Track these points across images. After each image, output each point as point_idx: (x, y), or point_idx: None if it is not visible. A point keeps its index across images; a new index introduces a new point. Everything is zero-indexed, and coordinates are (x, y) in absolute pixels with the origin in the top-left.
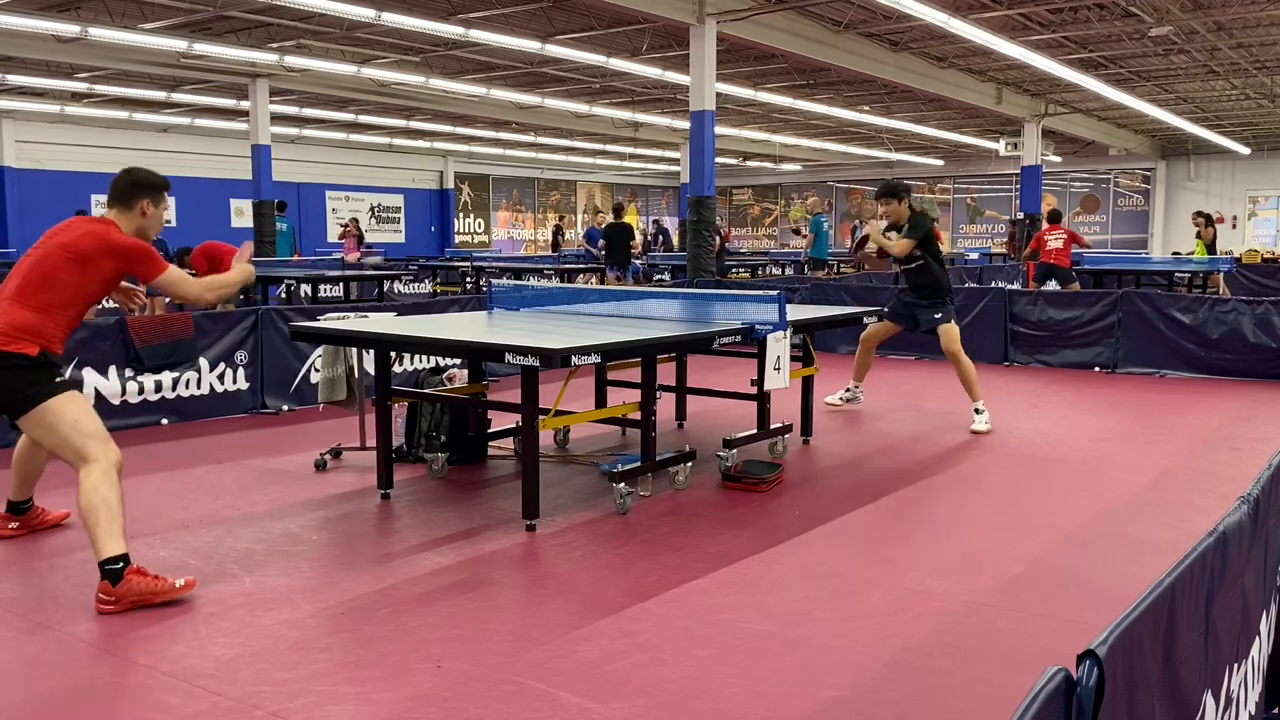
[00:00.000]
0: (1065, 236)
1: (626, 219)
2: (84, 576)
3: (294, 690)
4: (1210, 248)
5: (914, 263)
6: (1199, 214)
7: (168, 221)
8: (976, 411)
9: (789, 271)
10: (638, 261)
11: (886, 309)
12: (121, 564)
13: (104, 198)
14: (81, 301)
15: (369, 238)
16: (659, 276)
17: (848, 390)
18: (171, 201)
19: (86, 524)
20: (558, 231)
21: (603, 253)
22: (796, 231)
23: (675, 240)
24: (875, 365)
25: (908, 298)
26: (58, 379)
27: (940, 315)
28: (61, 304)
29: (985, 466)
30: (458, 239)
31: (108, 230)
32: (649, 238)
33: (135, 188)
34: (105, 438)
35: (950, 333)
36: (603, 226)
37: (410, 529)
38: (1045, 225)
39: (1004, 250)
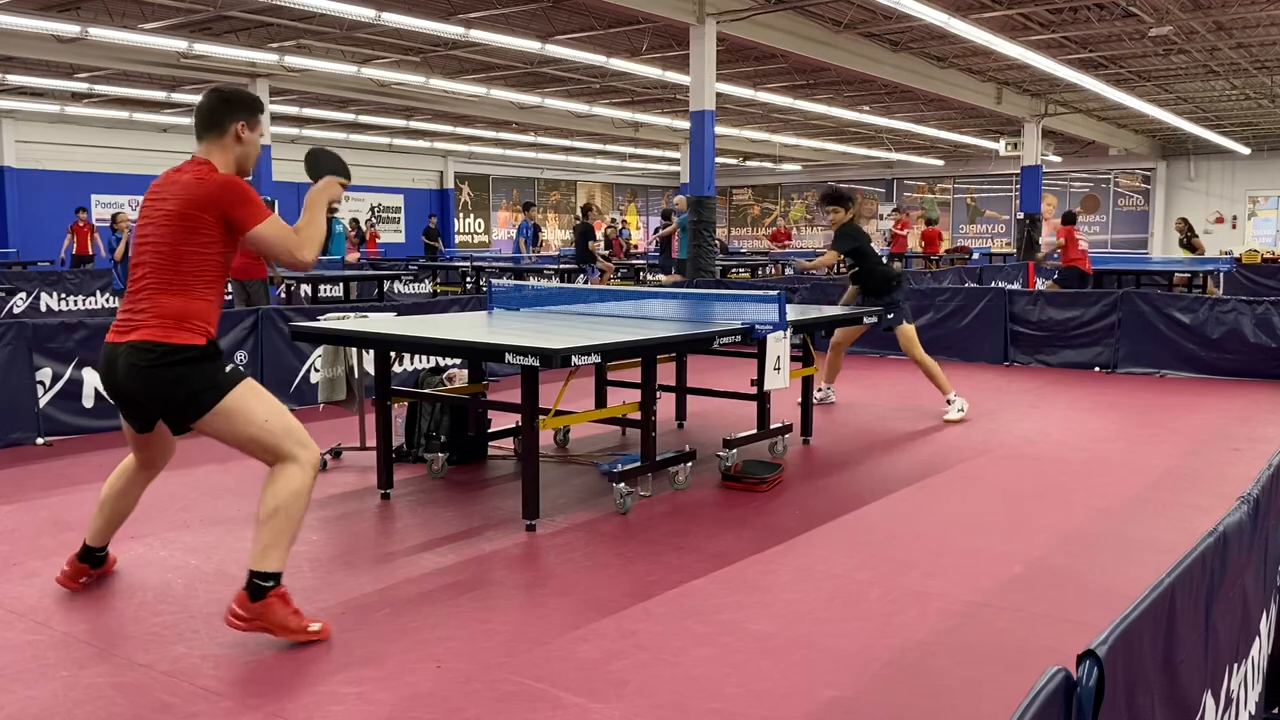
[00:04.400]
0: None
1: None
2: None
3: (294, 690)
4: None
5: (852, 269)
6: (1183, 220)
7: None
8: (948, 402)
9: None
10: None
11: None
12: (272, 583)
13: (104, 197)
14: (216, 272)
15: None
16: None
17: (819, 391)
18: None
19: (259, 523)
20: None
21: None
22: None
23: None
24: (875, 365)
25: (864, 300)
26: (229, 368)
27: (892, 317)
28: (203, 280)
29: (985, 466)
30: (458, 239)
31: (199, 175)
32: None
33: (226, 106)
34: (302, 434)
35: (906, 334)
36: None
37: (410, 529)
38: (1062, 225)
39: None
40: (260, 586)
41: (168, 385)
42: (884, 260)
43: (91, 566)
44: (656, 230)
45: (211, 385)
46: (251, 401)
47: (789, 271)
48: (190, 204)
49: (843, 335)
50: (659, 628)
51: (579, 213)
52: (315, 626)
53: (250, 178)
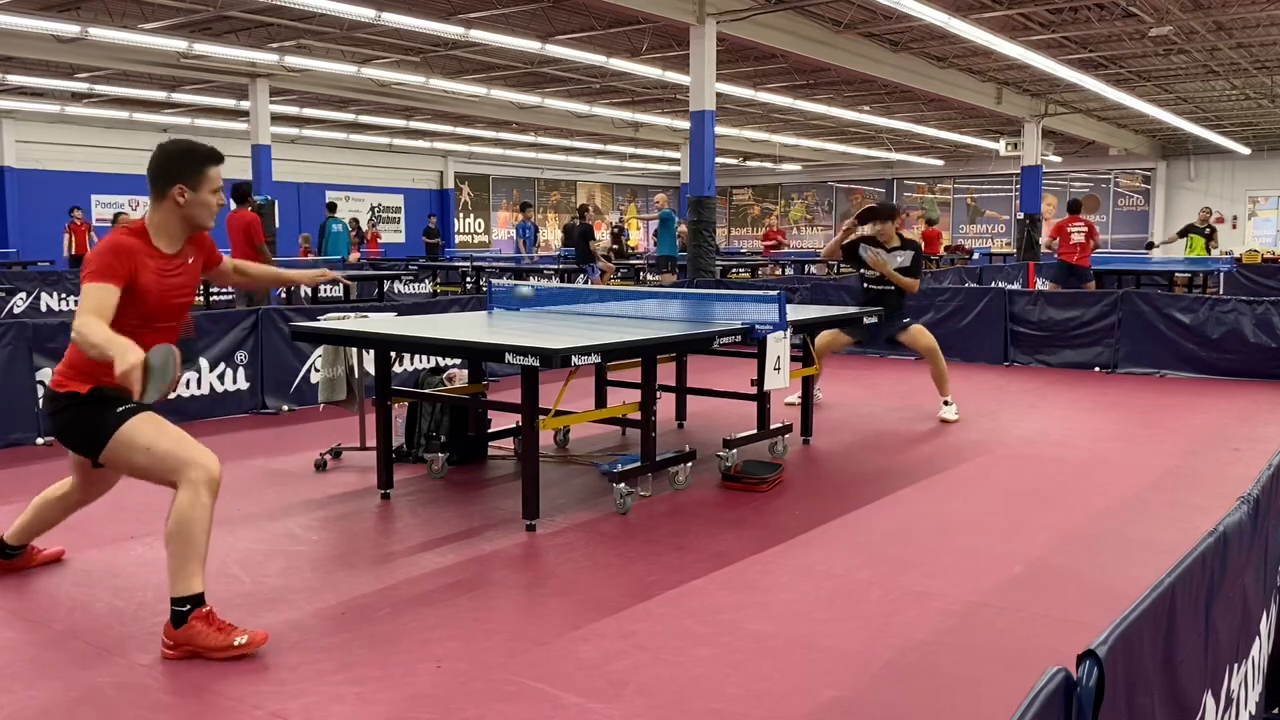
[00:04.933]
0: (1086, 229)
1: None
2: (77, 576)
3: (294, 690)
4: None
5: (890, 284)
6: (1208, 210)
7: None
8: (946, 403)
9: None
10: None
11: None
12: (188, 606)
13: (104, 197)
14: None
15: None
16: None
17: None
18: None
19: (170, 544)
20: (531, 230)
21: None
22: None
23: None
24: (874, 365)
25: (887, 314)
26: (120, 409)
27: (907, 321)
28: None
29: (985, 466)
30: (458, 239)
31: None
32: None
33: (164, 169)
34: (189, 452)
35: (919, 332)
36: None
37: (410, 529)
38: (1066, 215)
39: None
40: (179, 612)
41: (63, 428)
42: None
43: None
44: (655, 231)
45: (97, 426)
46: (134, 434)
47: (789, 272)
48: None
49: (826, 341)
50: (659, 628)
51: (577, 213)
52: (241, 639)
53: (210, 229)
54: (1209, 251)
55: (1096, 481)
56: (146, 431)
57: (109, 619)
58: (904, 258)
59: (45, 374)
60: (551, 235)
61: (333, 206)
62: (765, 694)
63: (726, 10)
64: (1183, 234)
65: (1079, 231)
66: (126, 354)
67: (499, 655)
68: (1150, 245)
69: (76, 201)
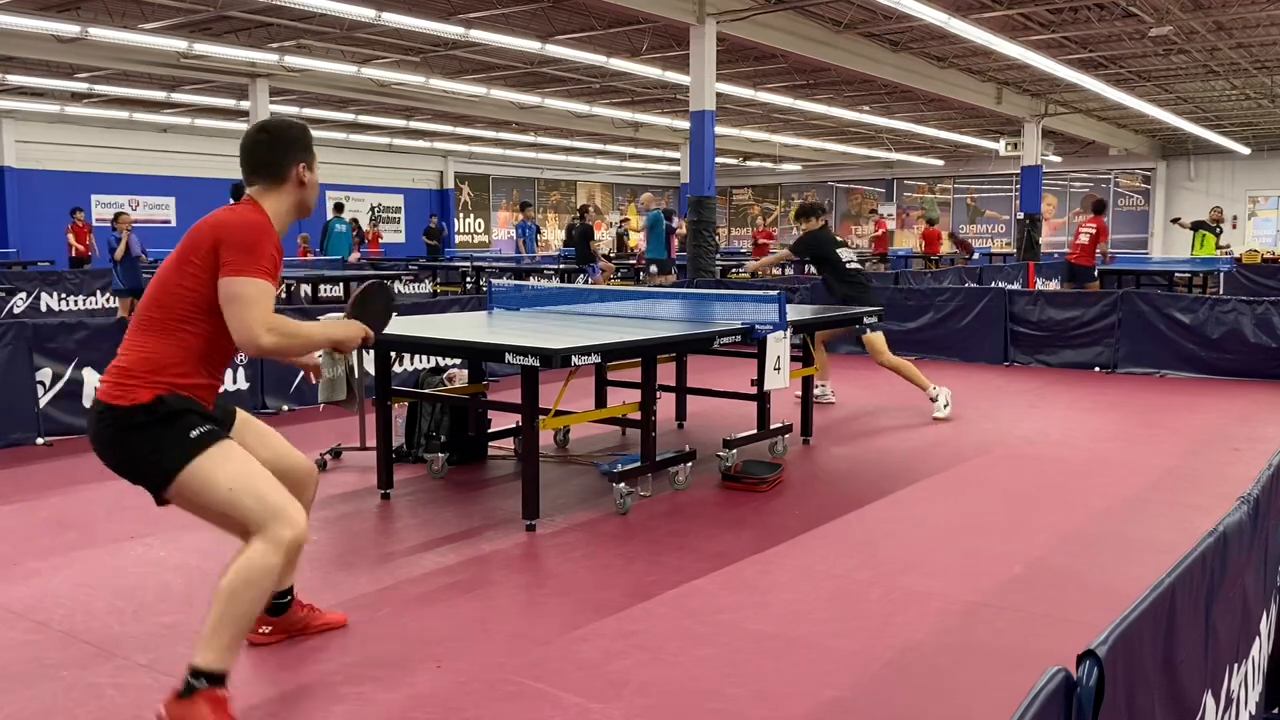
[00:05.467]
0: (1094, 231)
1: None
2: (77, 576)
3: (294, 690)
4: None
5: (820, 275)
6: (1219, 209)
7: (166, 222)
8: (932, 400)
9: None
10: (597, 264)
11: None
12: (203, 682)
13: (104, 197)
14: (202, 312)
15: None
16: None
17: (818, 388)
18: (171, 201)
19: (216, 602)
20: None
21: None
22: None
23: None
24: (875, 365)
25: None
26: (194, 432)
27: (859, 328)
28: (182, 319)
29: (985, 466)
30: (458, 239)
31: (230, 211)
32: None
33: (284, 147)
34: (279, 503)
35: (873, 342)
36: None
37: (410, 529)
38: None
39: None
40: (190, 683)
41: (125, 455)
42: (857, 269)
43: (269, 614)
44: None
45: (166, 453)
46: (215, 468)
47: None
48: (196, 235)
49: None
50: (659, 628)
51: (578, 213)
52: None
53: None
54: (1218, 250)
55: (1096, 481)
56: (231, 468)
57: (109, 619)
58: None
59: (45, 374)
60: (552, 235)
61: (340, 206)
62: (765, 694)
63: (726, 10)
64: (1194, 227)
65: (1086, 233)
66: (352, 330)
67: (499, 655)
68: (1175, 220)
69: (76, 202)
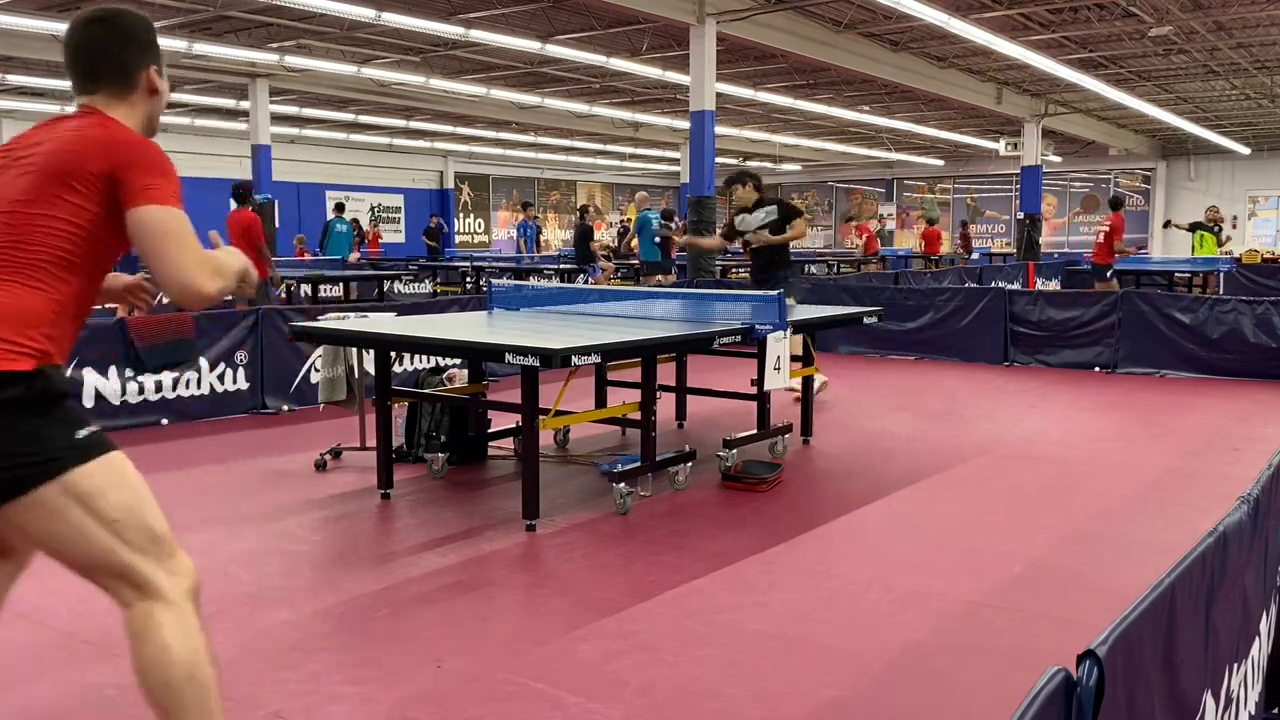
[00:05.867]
0: (1107, 229)
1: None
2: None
3: (294, 690)
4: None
5: (753, 247)
6: (1215, 209)
7: None
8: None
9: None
10: (597, 264)
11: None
12: None
13: None
14: (80, 256)
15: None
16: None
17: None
18: None
19: (159, 709)
20: (532, 230)
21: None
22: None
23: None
24: (874, 366)
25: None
26: (83, 433)
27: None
28: (52, 265)
29: (985, 466)
30: (458, 239)
31: (95, 123)
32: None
33: (132, 42)
34: (170, 542)
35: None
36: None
37: (410, 529)
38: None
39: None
40: None
41: None
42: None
43: None
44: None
45: (38, 450)
46: (101, 490)
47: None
48: (72, 153)
49: None
50: (659, 628)
51: (578, 213)
52: None
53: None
54: (1219, 249)
55: (1096, 481)
56: (124, 493)
57: (109, 619)
58: (767, 212)
59: None
60: (552, 235)
61: (340, 207)
62: (765, 694)
63: (726, 10)
64: (1192, 228)
65: (1101, 230)
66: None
67: (499, 655)
68: (1167, 224)
69: None
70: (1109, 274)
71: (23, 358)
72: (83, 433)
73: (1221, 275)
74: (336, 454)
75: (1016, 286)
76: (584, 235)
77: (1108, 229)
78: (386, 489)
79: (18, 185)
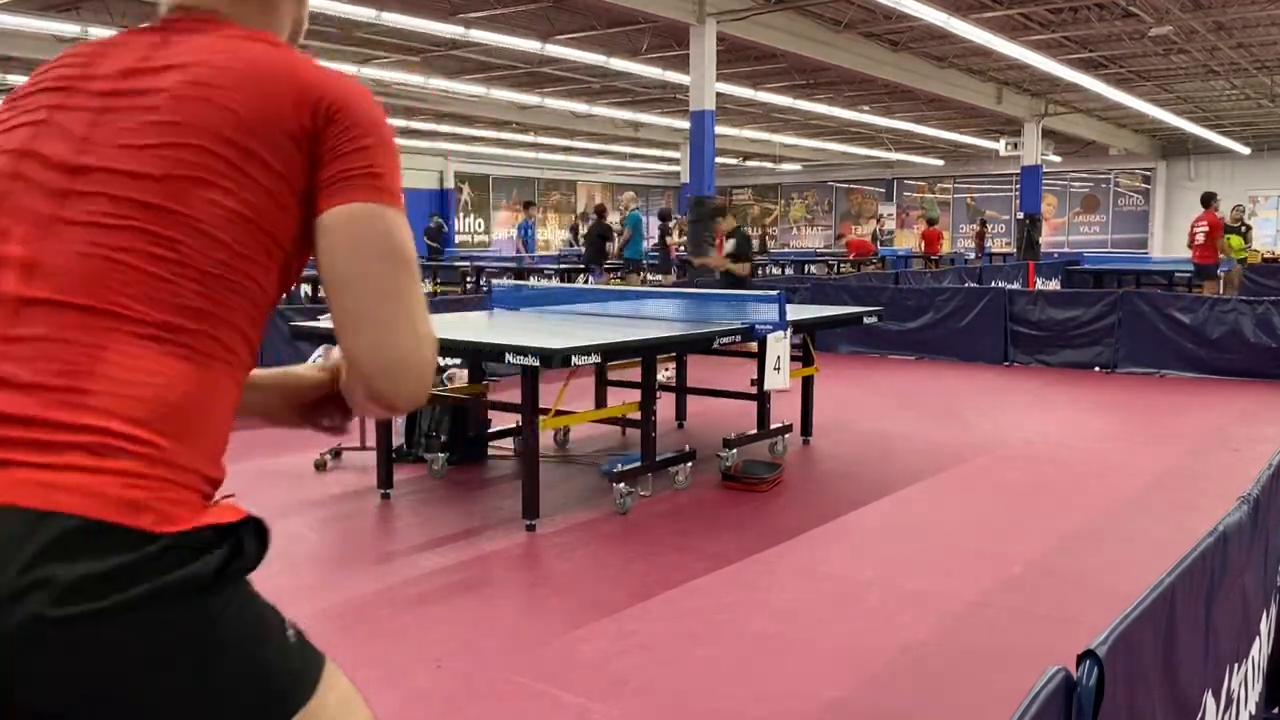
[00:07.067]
0: (1208, 228)
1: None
2: None
3: None
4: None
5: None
6: (1240, 208)
7: None
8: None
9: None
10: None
11: None
12: None
13: None
14: (267, 295)
15: None
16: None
17: None
18: None
19: None
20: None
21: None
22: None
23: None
24: (875, 365)
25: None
26: (286, 627)
27: None
28: (240, 315)
29: (985, 466)
30: (458, 239)
31: (269, 45)
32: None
33: None
34: None
35: None
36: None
37: (410, 529)
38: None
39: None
40: None
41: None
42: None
43: None
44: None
45: (269, 675)
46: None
47: (789, 272)
48: (247, 94)
49: None
50: (659, 628)
51: (594, 213)
52: None
53: None
54: (1246, 249)
55: (1097, 482)
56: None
57: None
58: (735, 244)
59: None
60: (552, 235)
61: None
62: (765, 694)
63: (726, 10)
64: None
65: (1201, 230)
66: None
67: (499, 655)
68: None
69: None
70: (1219, 270)
71: (224, 506)
72: (291, 634)
73: (1221, 276)
74: (336, 454)
75: (1016, 286)
76: (601, 235)
77: (1207, 228)
78: (386, 489)
79: (141, 143)
